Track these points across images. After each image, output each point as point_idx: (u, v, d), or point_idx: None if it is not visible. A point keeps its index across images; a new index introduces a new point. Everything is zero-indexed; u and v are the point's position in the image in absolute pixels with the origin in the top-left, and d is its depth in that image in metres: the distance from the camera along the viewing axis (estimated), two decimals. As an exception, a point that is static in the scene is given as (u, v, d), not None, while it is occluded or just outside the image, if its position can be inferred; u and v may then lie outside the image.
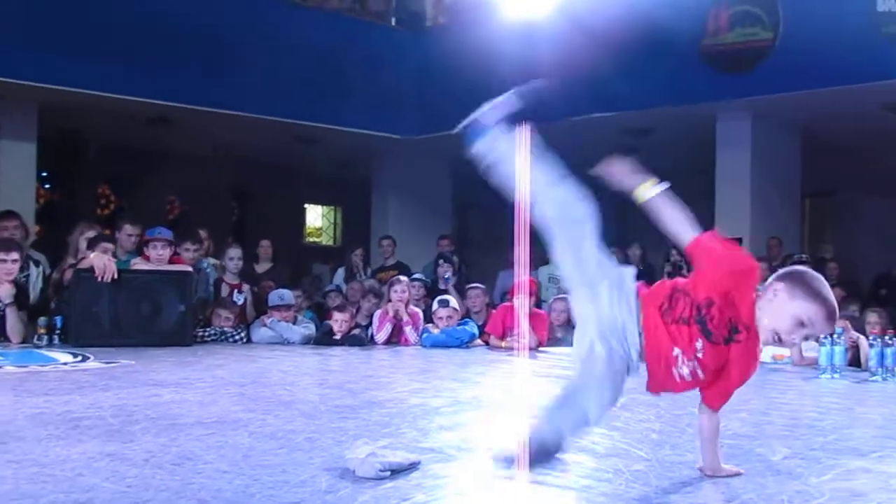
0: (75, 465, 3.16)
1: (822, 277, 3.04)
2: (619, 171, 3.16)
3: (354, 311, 9.30)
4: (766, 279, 9.38)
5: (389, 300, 8.97)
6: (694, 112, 11.36)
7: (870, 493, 3.04)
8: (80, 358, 6.78)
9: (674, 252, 11.03)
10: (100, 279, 7.70)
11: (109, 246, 8.12)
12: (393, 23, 14.37)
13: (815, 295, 2.95)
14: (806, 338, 4.00)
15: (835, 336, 6.45)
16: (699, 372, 3.04)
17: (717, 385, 3.14)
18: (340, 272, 12.07)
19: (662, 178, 3.16)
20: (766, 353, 7.52)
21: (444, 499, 2.86)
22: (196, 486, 2.91)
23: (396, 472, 3.08)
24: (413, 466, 3.16)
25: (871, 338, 6.58)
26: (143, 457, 3.33)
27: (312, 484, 2.98)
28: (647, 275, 11.44)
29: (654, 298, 3.06)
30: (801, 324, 2.95)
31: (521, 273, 8.13)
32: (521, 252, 7.17)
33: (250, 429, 3.97)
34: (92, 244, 8.06)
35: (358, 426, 4.12)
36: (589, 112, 11.78)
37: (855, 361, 6.97)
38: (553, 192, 3.19)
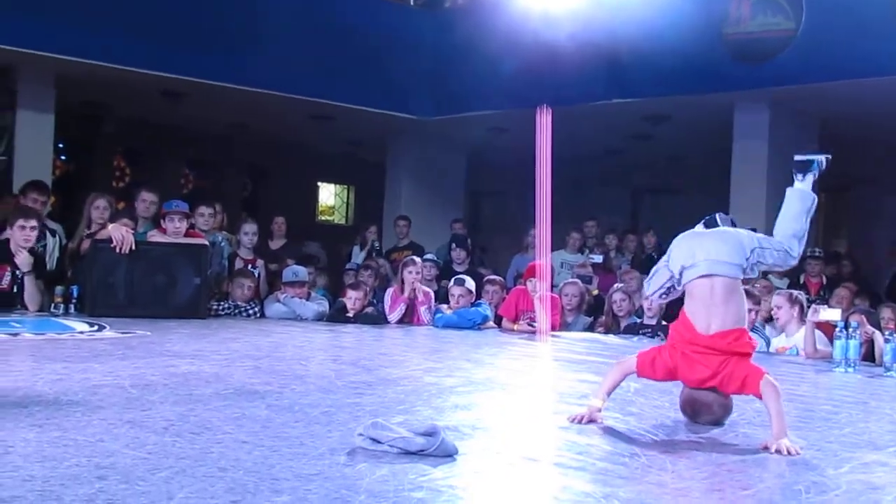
0: (96, 431, 3.18)
1: None
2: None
3: (368, 289, 9.31)
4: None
5: (402, 280, 8.97)
6: (712, 101, 11.31)
7: (886, 487, 3.03)
8: (96, 327, 6.82)
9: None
10: (117, 250, 7.73)
11: (130, 222, 8.14)
12: (412, 3, 14.33)
13: None
14: None
15: (850, 330, 6.44)
16: None
17: None
18: (357, 250, 12.08)
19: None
20: (771, 345, 7.54)
21: (460, 476, 2.87)
22: (216, 455, 2.93)
23: (407, 450, 3.07)
24: (431, 442, 3.13)
25: (886, 333, 6.57)
26: (162, 425, 3.35)
27: (331, 457, 2.99)
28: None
29: None
30: None
31: (540, 256, 8.13)
32: (541, 236, 7.18)
33: (267, 401, 3.99)
34: (114, 220, 8.10)
35: (373, 402, 4.14)
36: (607, 98, 11.75)
37: (869, 356, 6.96)
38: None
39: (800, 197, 4.24)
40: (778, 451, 3.45)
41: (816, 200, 4.28)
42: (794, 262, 4.29)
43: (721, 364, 3.82)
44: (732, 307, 3.91)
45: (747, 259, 3.98)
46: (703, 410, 3.91)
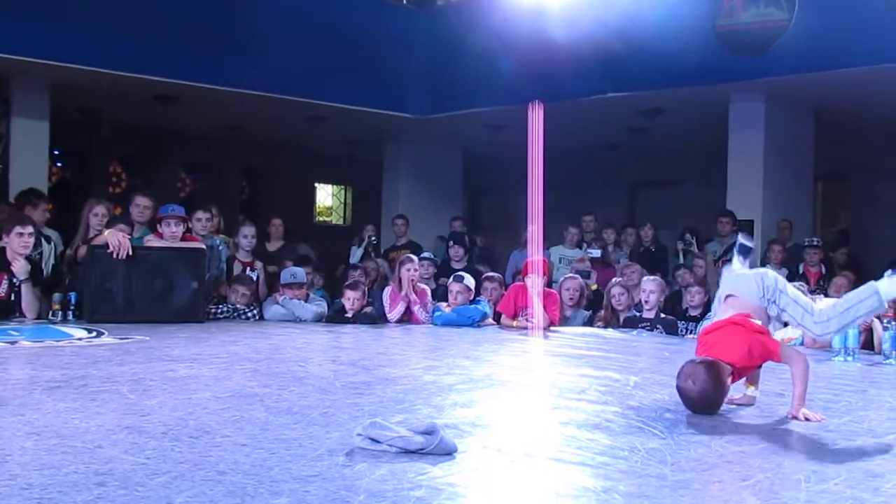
0: (94, 437, 3.18)
1: None
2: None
3: (366, 289, 9.29)
4: (779, 261, 9.23)
5: (399, 279, 8.95)
6: (707, 93, 11.30)
7: (886, 475, 3.03)
8: (94, 333, 6.81)
9: (687, 235, 11.02)
10: (114, 256, 7.72)
11: (126, 227, 8.13)
12: (405, 2, 14.32)
13: None
14: None
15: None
16: None
17: None
18: (354, 250, 12.03)
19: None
20: (777, 336, 7.52)
21: (460, 474, 2.87)
22: (214, 459, 2.93)
23: (406, 449, 3.07)
24: (430, 441, 3.12)
25: (884, 321, 6.56)
26: (160, 430, 3.34)
27: (329, 458, 2.99)
28: (659, 253, 11.48)
29: None
30: None
31: (534, 252, 8.11)
32: (535, 232, 7.18)
33: (266, 403, 3.99)
34: (110, 225, 8.09)
35: (373, 402, 4.13)
36: (602, 92, 11.74)
37: (868, 344, 6.96)
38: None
39: (866, 290, 4.27)
40: (797, 419, 3.88)
41: (878, 311, 4.48)
42: (813, 333, 4.42)
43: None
44: (743, 306, 4.23)
45: (763, 296, 4.26)
46: (698, 379, 3.97)
